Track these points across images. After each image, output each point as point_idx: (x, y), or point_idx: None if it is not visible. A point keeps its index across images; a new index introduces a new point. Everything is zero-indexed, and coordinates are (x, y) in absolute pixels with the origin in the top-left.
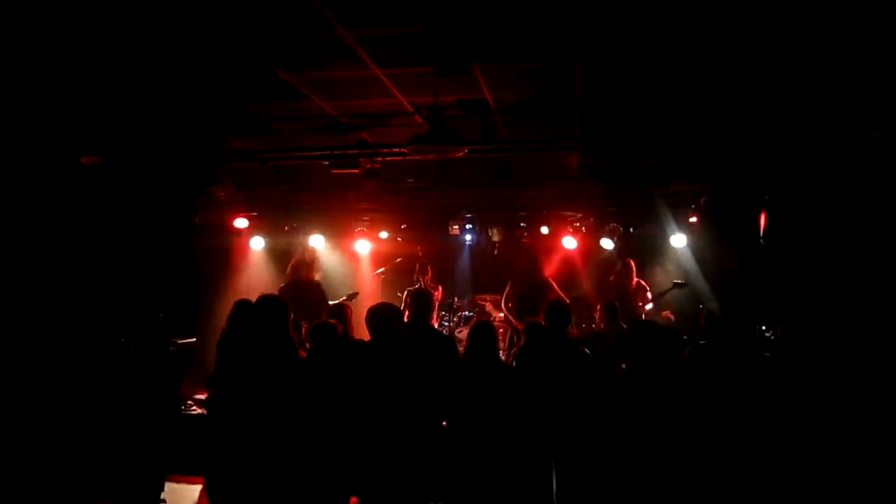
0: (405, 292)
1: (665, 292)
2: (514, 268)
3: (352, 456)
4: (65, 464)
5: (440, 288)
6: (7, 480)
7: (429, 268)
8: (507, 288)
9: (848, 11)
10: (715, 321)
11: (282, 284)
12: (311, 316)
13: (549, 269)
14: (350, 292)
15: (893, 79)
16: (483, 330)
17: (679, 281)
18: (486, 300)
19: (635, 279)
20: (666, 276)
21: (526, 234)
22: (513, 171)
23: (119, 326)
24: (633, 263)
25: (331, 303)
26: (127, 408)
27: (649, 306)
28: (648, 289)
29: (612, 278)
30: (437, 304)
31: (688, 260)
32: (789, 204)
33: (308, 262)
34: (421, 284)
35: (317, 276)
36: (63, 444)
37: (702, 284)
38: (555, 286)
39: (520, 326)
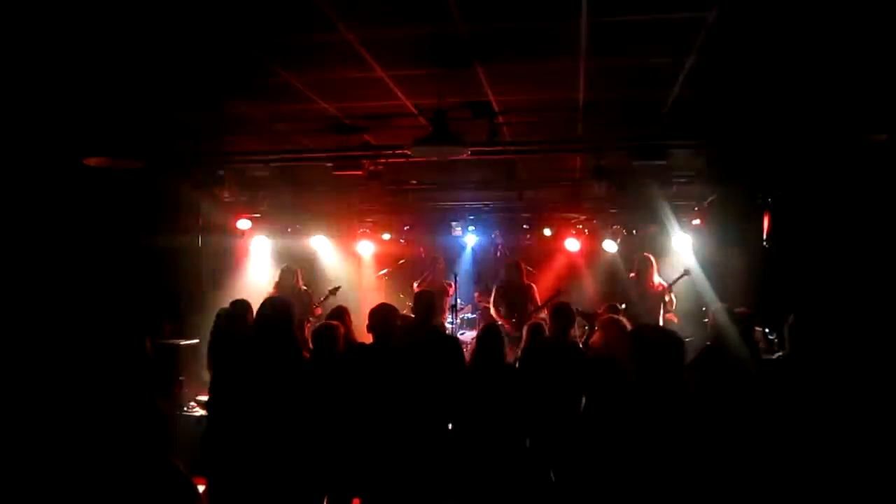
0: (415, 285)
1: (676, 281)
2: (498, 273)
3: (354, 457)
4: (64, 464)
5: (453, 284)
6: (6, 481)
7: (441, 263)
8: (493, 294)
9: (853, 13)
10: (723, 323)
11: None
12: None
13: (553, 274)
14: (332, 287)
15: None
16: (491, 333)
17: (686, 270)
18: (489, 303)
19: (657, 277)
20: (668, 277)
21: (529, 235)
22: (516, 172)
23: (122, 327)
24: (653, 259)
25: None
26: (128, 407)
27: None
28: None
29: (633, 275)
30: (448, 299)
31: (691, 261)
32: (793, 206)
33: (293, 272)
34: (434, 278)
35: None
36: (63, 445)
37: (706, 287)
38: (535, 290)
39: (507, 326)
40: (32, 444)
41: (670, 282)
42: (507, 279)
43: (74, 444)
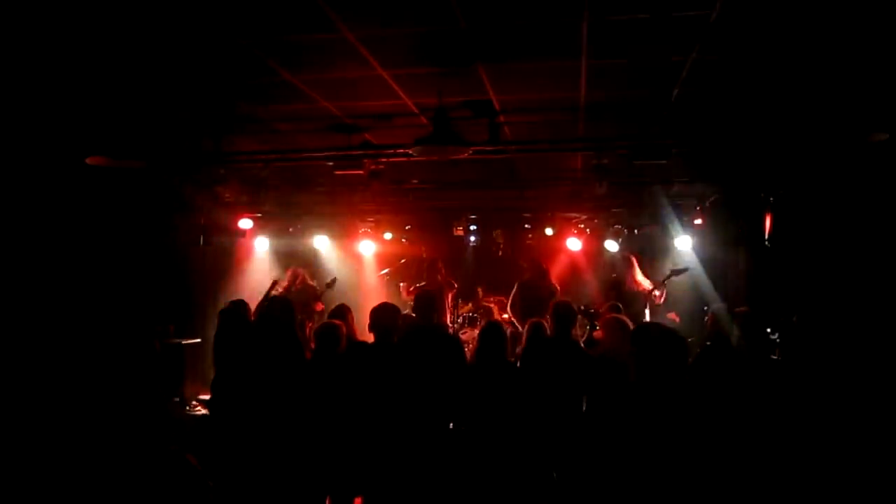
0: (413, 291)
1: (665, 280)
2: (520, 271)
3: (356, 456)
4: (66, 461)
5: (455, 284)
6: (9, 479)
7: (440, 262)
8: (514, 291)
9: (854, 14)
10: (722, 322)
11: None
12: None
13: (555, 274)
14: (328, 280)
15: None
16: (493, 331)
17: (677, 268)
18: (490, 302)
19: (638, 276)
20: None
21: (530, 235)
22: (517, 172)
23: (131, 327)
24: (634, 259)
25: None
26: (140, 407)
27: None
28: (653, 287)
29: (613, 276)
30: (451, 299)
31: (693, 261)
32: (795, 205)
33: (300, 273)
34: (441, 281)
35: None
36: (64, 443)
37: (707, 286)
38: (559, 292)
39: (521, 326)
40: (47, 443)
41: (660, 279)
42: (529, 278)
43: (90, 444)
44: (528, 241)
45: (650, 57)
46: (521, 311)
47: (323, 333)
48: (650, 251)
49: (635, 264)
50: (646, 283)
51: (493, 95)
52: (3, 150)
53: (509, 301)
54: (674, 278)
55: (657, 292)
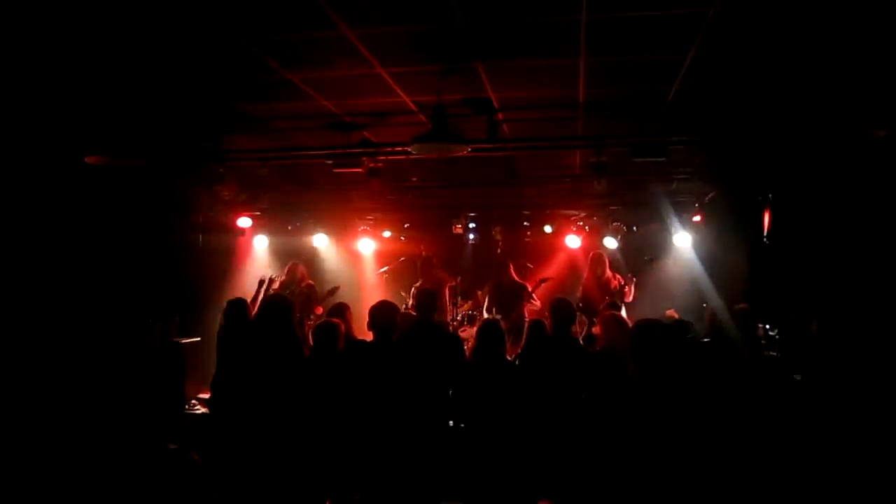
0: (412, 290)
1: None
2: (489, 274)
3: (355, 455)
4: (67, 461)
5: (458, 278)
6: (9, 479)
7: (435, 261)
8: (487, 296)
9: (853, 10)
10: (721, 319)
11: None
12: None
13: (553, 272)
14: (331, 287)
15: None
16: (491, 329)
17: (648, 257)
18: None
19: (609, 272)
20: (668, 274)
21: (529, 232)
22: (516, 169)
23: (124, 326)
24: (604, 255)
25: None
26: (129, 405)
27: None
28: (625, 282)
29: (587, 274)
30: (449, 290)
31: (692, 259)
32: (794, 202)
33: (299, 269)
34: (438, 276)
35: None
36: (65, 443)
37: (706, 283)
38: (528, 287)
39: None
40: (50, 441)
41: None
42: (498, 281)
43: (96, 442)
44: (527, 239)
45: (649, 54)
46: (496, 311)
47: (321, 332)
48: (651, 249)
49: (607, 262)
50: (616, 281)
51: (491, 93)
52: (2, 149)
53: (485, 305)
54: (673, 278)
55: (627, 289)
